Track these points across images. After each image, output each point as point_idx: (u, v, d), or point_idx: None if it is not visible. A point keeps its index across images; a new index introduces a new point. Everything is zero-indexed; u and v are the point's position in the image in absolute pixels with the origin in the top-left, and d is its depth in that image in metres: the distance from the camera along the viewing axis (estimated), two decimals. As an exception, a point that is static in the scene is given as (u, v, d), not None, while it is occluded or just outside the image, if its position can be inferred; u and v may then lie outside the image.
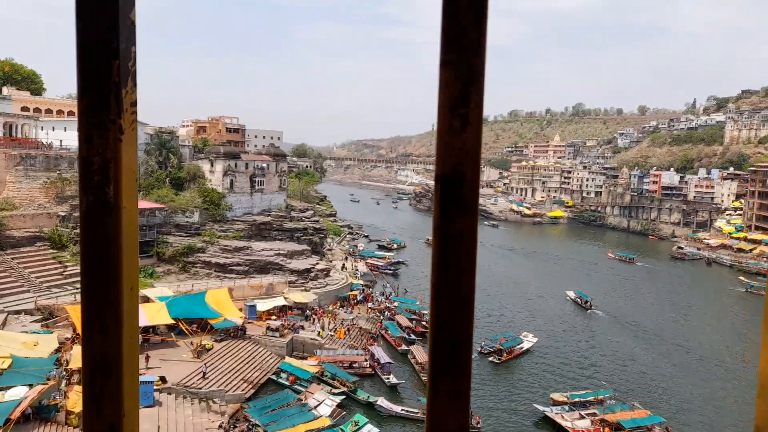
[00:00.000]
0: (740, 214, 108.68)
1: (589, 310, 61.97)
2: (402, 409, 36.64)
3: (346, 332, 49.65)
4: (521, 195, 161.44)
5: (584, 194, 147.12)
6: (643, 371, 46.18)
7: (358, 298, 58.89)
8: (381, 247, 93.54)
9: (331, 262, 69.59)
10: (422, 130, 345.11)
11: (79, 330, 38.38)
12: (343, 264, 71.46)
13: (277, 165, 71.77)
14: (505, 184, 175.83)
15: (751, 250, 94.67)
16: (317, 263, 61.83)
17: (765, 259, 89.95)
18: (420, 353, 44.17)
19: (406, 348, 46.68)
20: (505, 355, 46.43)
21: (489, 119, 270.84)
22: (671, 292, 74.30)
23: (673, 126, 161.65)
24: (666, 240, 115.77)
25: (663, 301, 69.18)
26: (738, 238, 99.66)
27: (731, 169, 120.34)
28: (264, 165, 69.50)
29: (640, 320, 59.66)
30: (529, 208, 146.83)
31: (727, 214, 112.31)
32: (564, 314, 60.90)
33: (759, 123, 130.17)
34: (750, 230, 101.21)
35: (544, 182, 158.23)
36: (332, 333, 48.96)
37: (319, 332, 48.01)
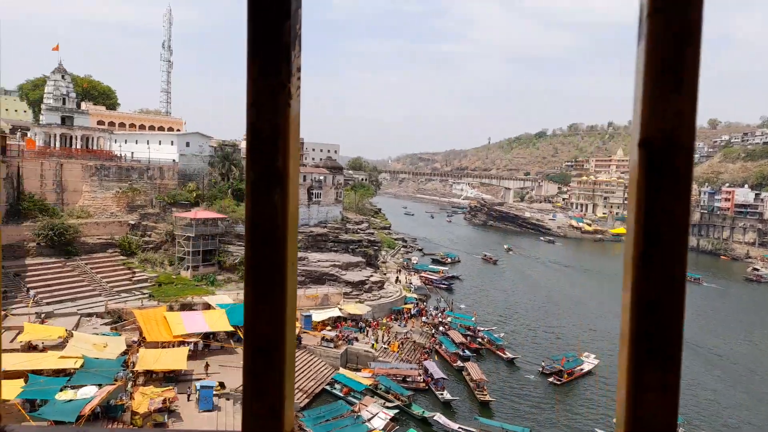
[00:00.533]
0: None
1: None
2: (459, 427, 35.86)
3: (400, 345, 49.33)
4: (581, 211, 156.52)
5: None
6: (712, 398, 43.29)
7: (412, 312, 58.51)
8: (435, 261, 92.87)
9: (385, 274, 69.62)
10: (477, 143, 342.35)
11: (145, 333, 40.02)
12: (397, 277, 71.33)
13: (333, 177, 72.84)
14: (564, 199, 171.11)
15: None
16: (372, 275, 62.01)
17: None
18: (475, 370, 43.23)
19: (462, 364, 45.84)
20: (566, 376, 44.79)
21: (547, 133, 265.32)
22: (742, 314, 69.68)
23: (747, 140, 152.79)
24: (739, 261, 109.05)
25: (732, 323, 65.27)
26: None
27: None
28: (321, 177, 70.68)
29: (706, 342, 56.44)
30: (589, 225, 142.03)
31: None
32: (609, 321, 59.69)
33: None
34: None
35: (606, 198, 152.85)
36: (386, 346, 48.76)
37: (373, 344, 47.92)
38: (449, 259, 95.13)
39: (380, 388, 40.81)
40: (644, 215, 0.74)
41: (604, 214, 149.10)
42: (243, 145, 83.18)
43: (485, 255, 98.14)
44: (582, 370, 46.53)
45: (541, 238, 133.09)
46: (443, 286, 75.72)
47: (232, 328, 42.47)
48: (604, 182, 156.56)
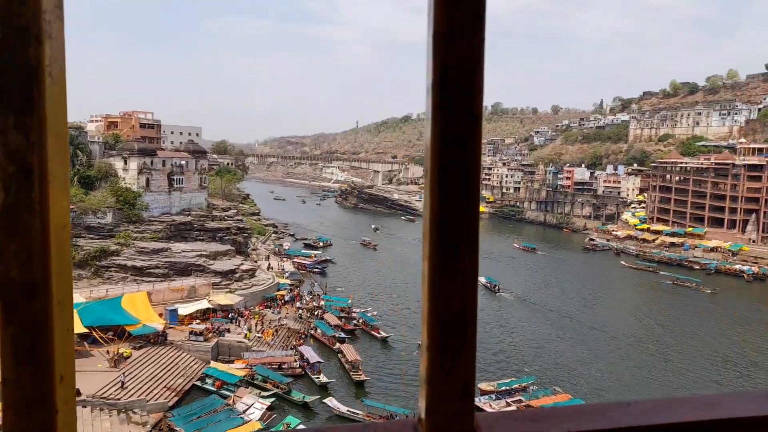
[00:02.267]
0: (644, 207, 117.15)
1: (498, 293, 67.28)
2: (348, 410, 36.15)
3: (274, 333, 48.55)
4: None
5: (504, 190, 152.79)
6: (558, 354, 48.67)
7: (286, 298, 57.77)
8: (307, 246, 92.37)
9: (256, 262, 67.81)
10: (346, 127, 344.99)
11: None
12: (269, 264, 69.85)
13: (196, 162, 68.86)
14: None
15: (653, 240, 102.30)
16: (242, 264, 60.02)
17: (665, 248, 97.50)
18: (350, 351, 43.92)
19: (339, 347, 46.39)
20: None
21: (412, 117, 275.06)
22: (579, 279, 79.30)
23: (584, 125, 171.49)
24: (579, 232, 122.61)
25: (564, 284, 74.79)
26: (642, 230, 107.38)
27: (635, 165, 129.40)
28: (183, 162, 66.44)
29: (544, 301, 65.07)
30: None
31: (632, 207, 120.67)
32: (479, 298, 64.07)
33: (658, 122, 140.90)
34: (652, 222, 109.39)
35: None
36: (260, 335, 47.71)
37: (246, 334, 46.61)
38: (321, 243, 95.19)
39: (257, 378, 39.90)
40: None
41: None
42: (90, 127, 75.11)
43: (364, 240, 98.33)
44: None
45: (402, 217, 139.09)
46: (316, 270, 75.65)
47: (85, 330, 38.61)
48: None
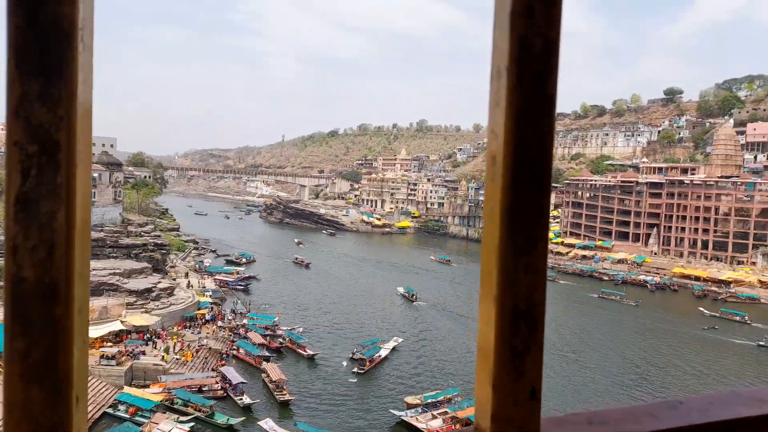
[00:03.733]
0: (558, 222, 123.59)
1: (414, 302, 70.36)
2: None
3: (194, 354, 46.46)
4: (372, 206, 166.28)
5: (429, 205, 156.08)
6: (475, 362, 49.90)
7: (207, 317, 55.57)
8: (229, 262, 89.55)
9: (175, 280, 64.89)
10: (272, 141, 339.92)
11: None
12: (189, 281, 67.03)
13: (110, 175, 65.23)
14: (356, 195, 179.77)
15: (567, 253, 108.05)
16: (159, 282, 57.23)
17: (578, 260, 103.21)
18: (274, 371, 42.77)
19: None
20: (368, 363, 47.10)
21: (339, 132, 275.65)
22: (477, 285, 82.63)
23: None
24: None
25: (477, 294, 77.25)
26: (557, 243, 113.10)
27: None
28: (95, 175, 62.65)
29: (458, 309, 68.40)
30: (379, 219, 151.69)
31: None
32: (395, 307, 69.20)
33: (571, 142, 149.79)
34: (566, 236, 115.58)
35: (392, 194, 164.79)
36: (178, 356, 45.49)
37: (163, 356, 44.28)
38: (244, 259, 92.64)
39: (177, 403, 37.91)
40: None
41: (391, 208, 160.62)
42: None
43: (297, 258, 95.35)
44: (380, 356, 49.47)
45: (324, 231, 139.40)
46: (239, 287, 73.41)
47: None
48: (390, 180, 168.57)
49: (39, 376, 0.56)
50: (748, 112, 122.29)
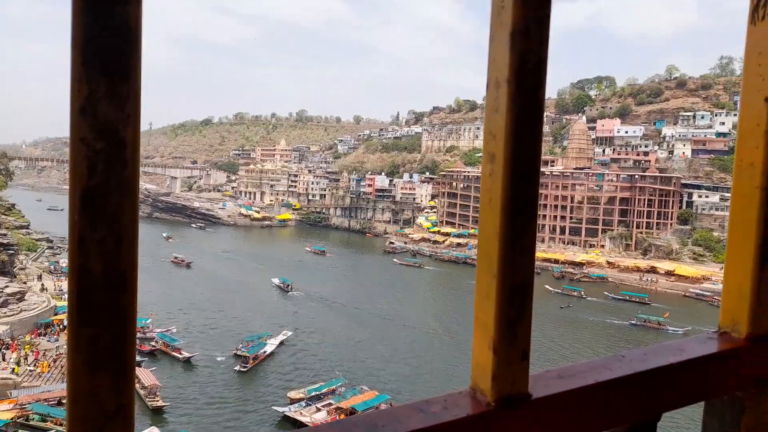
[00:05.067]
0: (435, 212, 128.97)
1: (290, 292, 71.42)
2: None
3: (52, 364, 41.73)
4: (251, 199, 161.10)
5: (310, 197, 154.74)
6: (358, 351, 50.90)
7: (66, 323, 50.10)
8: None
9: (25, 283, 57.86)
10: (140, 127, 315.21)
11: None
12: (43, 284, 60.12)
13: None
14: (233, 188, 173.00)
15: (443, 241, 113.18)
16: (6, 286, 50.67)
17: (453, 248, 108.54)
18: (147, 376, 39.76)
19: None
20: (251, 361, 45.46)
21: (214, 120, 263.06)
22: (359, 274, 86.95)
23: (383, 135, 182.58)
24: (380, 236, 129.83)
25: (353, 281, 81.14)
26: (434, 232, 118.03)
27: (427, 173, 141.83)
28: None
29: (332, 297, 70.27)
30: (258, 212, 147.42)
31: (425, 212, 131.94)
32: (271, 299, 68.99)
33: (446, 135, 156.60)
34: (442, 225, 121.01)
35: (272, 186, 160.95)
36: (32, 367, 40.63)
37: (14, 369, 39.31)
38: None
39: (33, 419, 33.88)
40: None
41: (271, 201, 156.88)
42: None
43: (176, 257, 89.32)
44: (265, 353, 48.00)
45: (193, 225, 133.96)
46: (104, 288, 67.25)
47: None
48: (270, 171, 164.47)
49: (106, 364, 0.59)
50: (597, 109, 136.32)
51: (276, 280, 76.12)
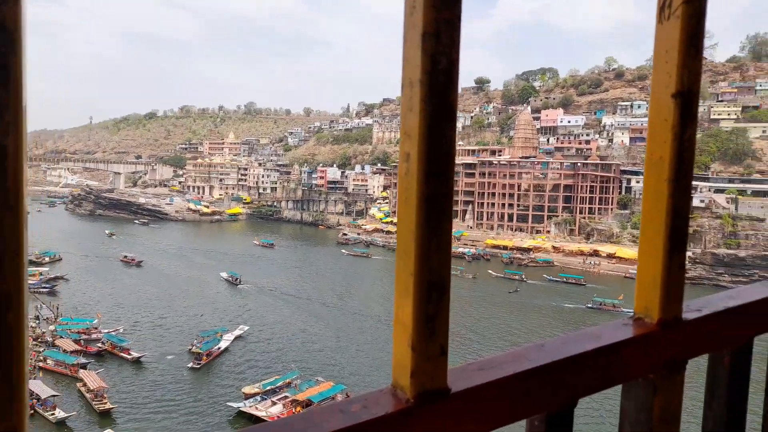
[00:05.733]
0: (387, 202, 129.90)
1: (239, 285, 71.40)
2: None
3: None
4: (199, 193, 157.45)
5: (261, 190, 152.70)
6: (314, 342, 51.18)
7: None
8: (30, 263, 78.17)
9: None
10: (77, 123, 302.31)
11: None
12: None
13: None
14: (180, 182, 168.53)
15: (396, 231, 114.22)
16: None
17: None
18: (92, 379, 38.70)
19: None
20: (204, 358, 44.89)
21: (158, 114, 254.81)
22: (309, 266, 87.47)
23: (334, 127, 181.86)
24: (333, 228, 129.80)
25: (302, 273, 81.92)
26: (387, 222, 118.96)
27: (379, 165, 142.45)
28: None
29: (283, 289, 70.86)
30: (207, 207, 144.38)
31: (378, 203, 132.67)
32: (221, 293, 68.87)
33: (397, 126, 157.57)
34: (395, 215, 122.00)
35: (221, 180, 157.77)
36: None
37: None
38: (47, 258, 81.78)
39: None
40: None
41: (220, 195, 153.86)
42: None
43: (126, 256, 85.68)
44: (219, 348, 47.45)
45: (136, 221, 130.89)
46: (44, 290, 64.66)
47: None
48: (219, 165, 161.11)
49: None
50: (542, 100, 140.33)
51: (224, 274, 75.76)
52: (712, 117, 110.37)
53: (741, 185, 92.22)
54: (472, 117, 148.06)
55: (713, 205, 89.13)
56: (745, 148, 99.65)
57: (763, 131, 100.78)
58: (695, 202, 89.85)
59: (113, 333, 49.91)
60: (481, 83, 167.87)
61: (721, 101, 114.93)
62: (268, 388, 40.07)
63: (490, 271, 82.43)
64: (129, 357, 45.30)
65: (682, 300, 1.04)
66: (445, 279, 0.80)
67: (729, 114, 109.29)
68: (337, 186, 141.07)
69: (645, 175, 1.01)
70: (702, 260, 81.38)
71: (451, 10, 0.75)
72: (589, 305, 65.37)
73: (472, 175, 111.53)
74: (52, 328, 50.26)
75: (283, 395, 39.23)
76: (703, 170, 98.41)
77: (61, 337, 48.06)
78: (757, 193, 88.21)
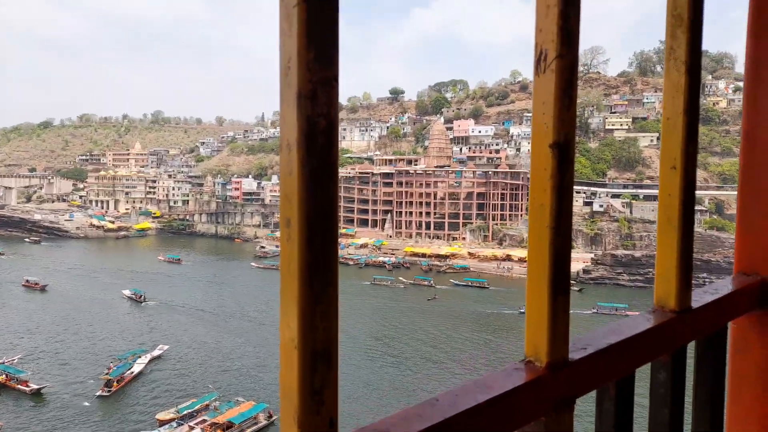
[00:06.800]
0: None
1: (143, 303, 69.32)
2: None
3: None
4: (103, 208, 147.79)
5: (172, 203, 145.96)
6: (231, 359, 49.67)
7: None
8: None
9: None
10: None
11: None
12: None
13: None
14: (81, 197, 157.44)
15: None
16: None
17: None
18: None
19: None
20: (115, 384, 42.04)
21: (54, 123, 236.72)
22: (220, 281, 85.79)
23: (248, 137, 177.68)
24: (250, 241, 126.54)
25: (213, 288, 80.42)
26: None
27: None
28: None
29: (191, 304, 69.44)
30: (112, 222, 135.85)
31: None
32: (124, 311, 66.45)
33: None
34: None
35: (127, 193, 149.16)
36: None
37: None
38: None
39: None
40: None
41: (127, 209, 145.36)
42: None
43: (27, 280, 78.03)
44: (132, 373, 44.64)
45: (26, 240, 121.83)
46: None
47: None
48: (124, 177, 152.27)
49: None
50: (453, 111, 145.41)
51: (127, 292, 73.52)
52: (606, 127, 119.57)
53: (634, 191, 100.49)
54: (388, 127, 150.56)
55: (611, 209, 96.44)
56: (636, 156, 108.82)
57: (651, 140, 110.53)
58: (595, 207, 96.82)
59: (7, 363, 45.60)
60: (396, 94, 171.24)
61: (614, 113, 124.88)
62: (185, 412, 38.30)
63: (401, 278, 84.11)
64: (27, 389, 41.56)
65: (568, 341, 1.07)
66: (332, 349, 0.76)
67: (621, 125, 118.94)
68: (254, 197, 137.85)
69: (530, 221, 1.05)
70: (603, 261, 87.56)
71: (328, 70, 0.72)
72: (521, 310, 68.57)
73: (390, 184, 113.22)
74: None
75: (201, 419, 37.64)
76: (602, 177, 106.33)
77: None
78: (648, 198, 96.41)
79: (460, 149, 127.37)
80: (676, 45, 1.24)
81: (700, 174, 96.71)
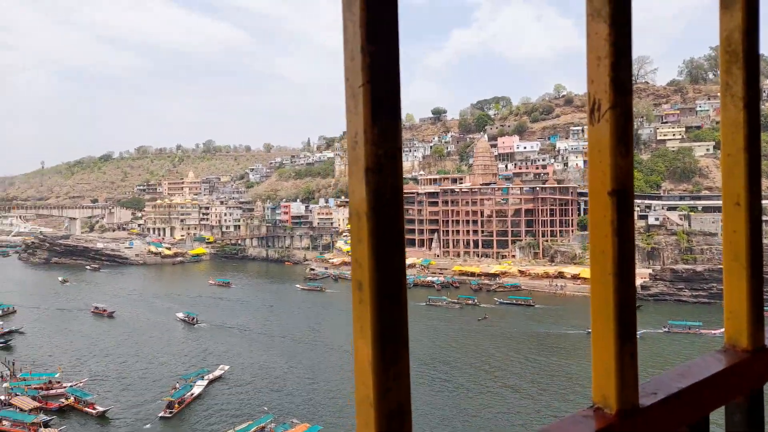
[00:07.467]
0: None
1: (196, 325, 71.75)
2: None
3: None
4: (159, 235, 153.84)
5: (224, 229, 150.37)
6: (284, 380, 50.21)
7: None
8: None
9: None
10: (28, 169, 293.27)
11: None
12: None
13: None
14: (140, 225, 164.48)
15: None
16: None
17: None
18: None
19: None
20: (176, 406, 43.36)
21: (114, 155, 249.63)
22: (271, 303, 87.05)
23: (295, 162, 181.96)
24: (300, 264, 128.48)
25: (259, 311, 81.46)
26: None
27: (343, 197, 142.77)
28: None
29: (235, 324, 71.93)
30: (169, 248, 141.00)
31: (344, 236, 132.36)
32: (177, 333, 68.86)
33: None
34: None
35: (182, 220, 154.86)
36: None
37: None
38: (1, 311, 78.03)
39: None
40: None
41: (182, 236, 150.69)
42: None
43: (96, 307, 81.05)
44: (193, 395, 45.94)
45: (87, 267, 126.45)
46: (-2, 345, 61.54)
47: None
48: (179, 205, 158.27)
49: None
50: (497, 128, 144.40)
51: (180, 314, 76.05)
52: (658, 138, 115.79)
53: (691, 202, 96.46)
54: (431, 147, 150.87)
55: (668, 222, 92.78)
56: (692, 167, 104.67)
57: (707, 150, 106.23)
58: (651, 221, 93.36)
59: (76, 386, 47.74)
60: (438, 113, 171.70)
61: (666, 122, 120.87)
62: (243, 435, 38.91)
63: (444, 297, 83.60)
64: (94, 411, 43.32)
65: (637, 387, 1.06)
66: (405, 405, 0.80)
67: (674, 134, 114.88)
68: (302, 221, 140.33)
69: (591, 268, 1.06)
70: (662, 276, 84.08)
71: (392, 143, 0.78)
72: (589, 330, 66.68)
73: (436, 203, 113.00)
74: (5, 385, 47.69)
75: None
76: (655, 189, 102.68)
77: (17, 395, 45.64)
78: (707, 209, 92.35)
79: (506, 166, 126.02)
80: (732, 81, 1.24)
81: None
